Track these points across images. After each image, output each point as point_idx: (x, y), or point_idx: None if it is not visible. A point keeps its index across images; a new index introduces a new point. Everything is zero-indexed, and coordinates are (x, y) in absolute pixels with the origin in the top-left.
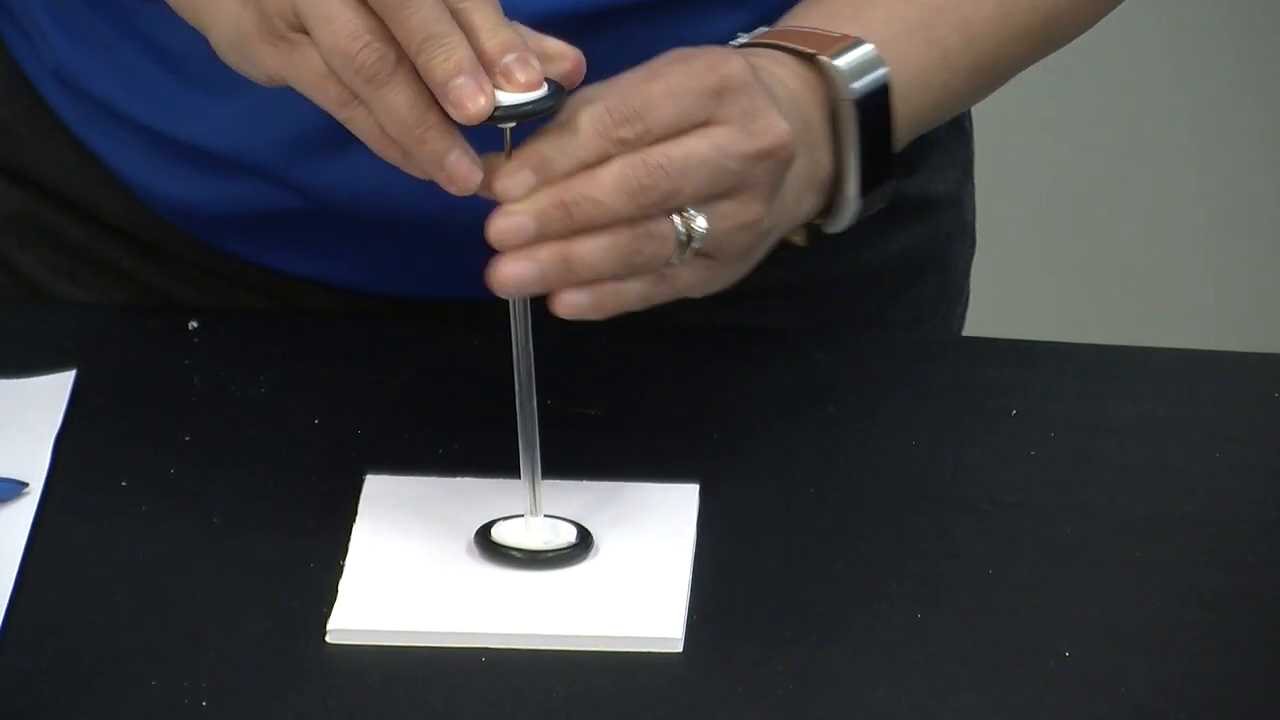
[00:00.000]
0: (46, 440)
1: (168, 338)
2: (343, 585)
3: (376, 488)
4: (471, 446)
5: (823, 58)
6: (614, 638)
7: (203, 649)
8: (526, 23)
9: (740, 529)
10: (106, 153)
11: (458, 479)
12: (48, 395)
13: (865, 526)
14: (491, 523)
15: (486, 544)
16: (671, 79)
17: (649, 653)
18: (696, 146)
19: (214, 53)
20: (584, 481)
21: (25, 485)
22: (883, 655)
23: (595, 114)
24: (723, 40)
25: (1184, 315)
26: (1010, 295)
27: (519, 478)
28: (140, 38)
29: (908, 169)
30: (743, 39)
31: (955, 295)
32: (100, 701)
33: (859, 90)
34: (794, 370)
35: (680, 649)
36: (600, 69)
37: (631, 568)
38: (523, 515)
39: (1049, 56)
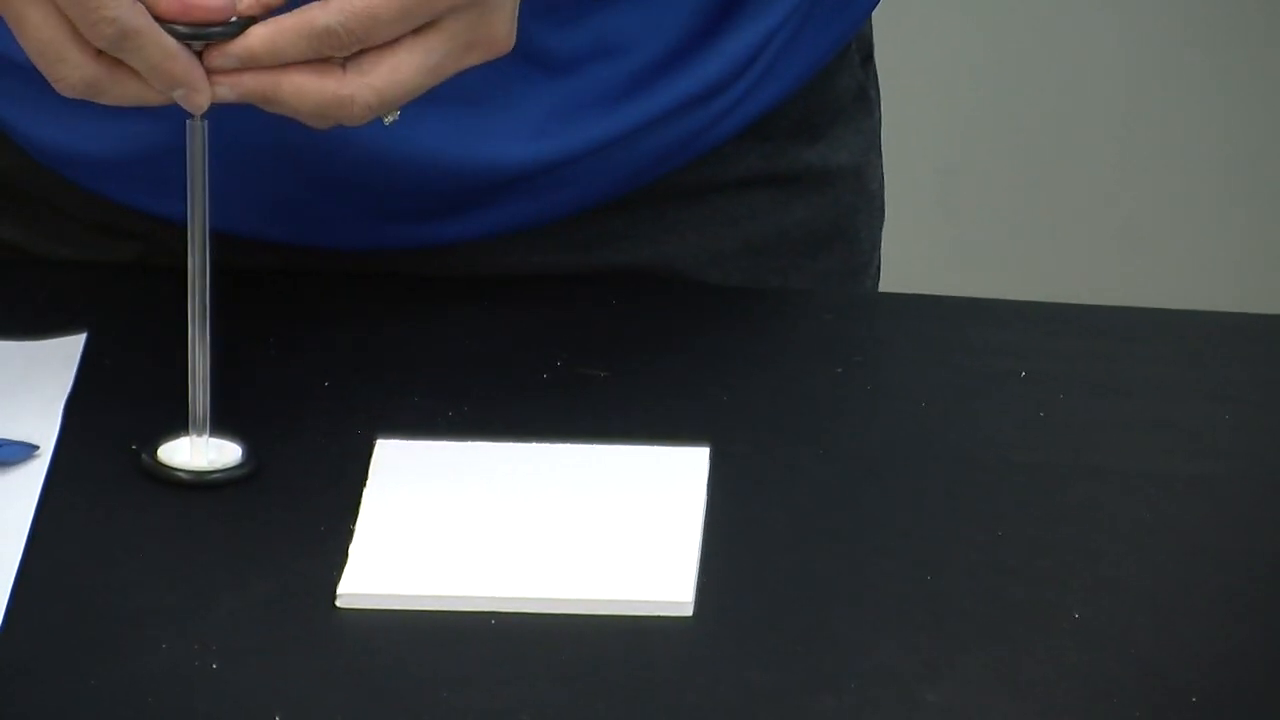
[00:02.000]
0: (57, 403)
1: (178, 300)
2: (353, 549)
3: (387, 451)
4: (483, 410)
5: None
6: (624, 601)
7: (213, 611)
8: None
9: (749, 490)
10: None
11: (469, 443)
12: (58, 358)
13: (874, 487)
14: (157, 444)
15: (153, 465)
16: None
17: (659, 616)
18: None
19: None
20: (593, 444)
21: (36, 448)
22: (892, 616)
23: (317, 29)
24: None
25: (1095, 273)
26: (923, 261)
27: (531, 441)
28: None
29: (811, 138)
30: None
31: (864, 267)
32: (111, 663)
33: None
34: (803, 330)
35: (691, 612)
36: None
37: (641, 531)
38: (188, 436)
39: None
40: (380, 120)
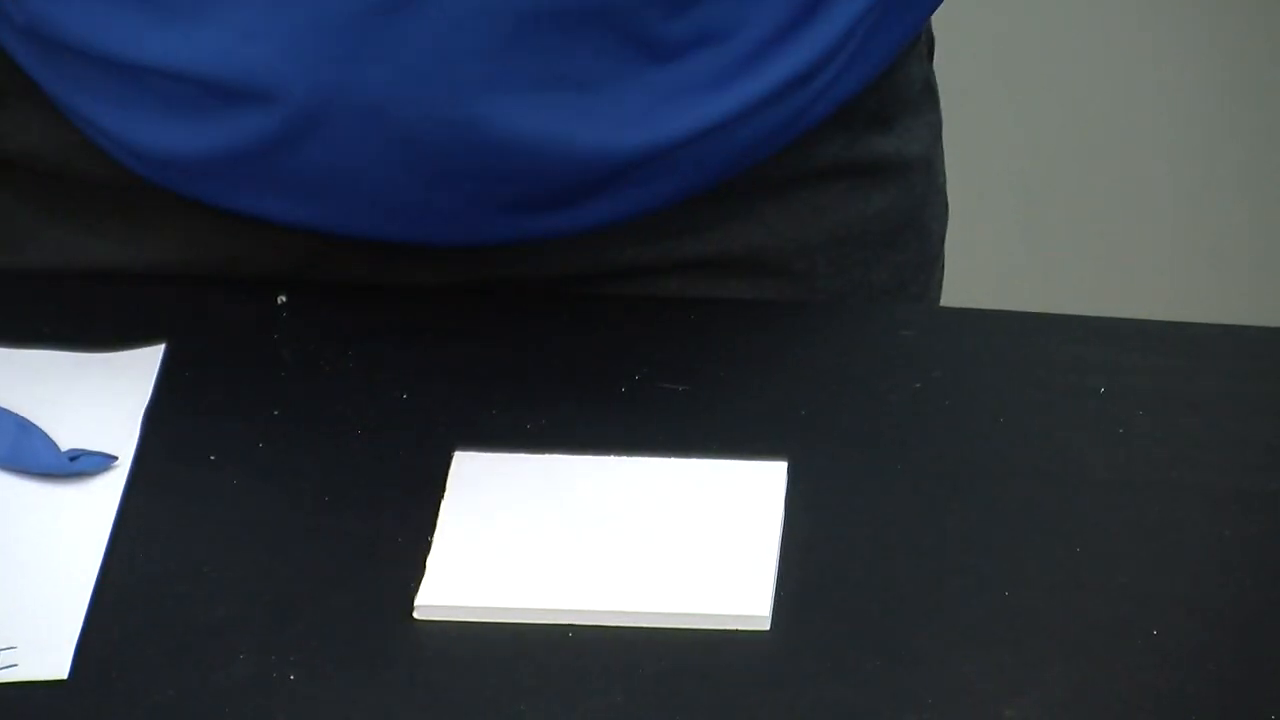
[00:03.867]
0: (136, 414)
1: (257, 311)
2: (430, 561)
3: (465, 464)
4: (560, 423)
5: None
6: (702, 615)
7: (291, 623)
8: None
9: (827, 505)
10: (83, 108)
11: (547, 455)
12: (137, 369)
13: (953, 503)
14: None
15: None
16: None
17: (736, 630)
18: None
19: None
20: (672, 459)
21: (115, 459)
22: (971, 632)
23: None
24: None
25: (1173, 289)
26: (985, 265)
27: (608, 455)
28: None
29: (885, 129)
30: None
31: (934, 261)
32: (189, 674)
33: None
34: (880, 345)
35: (768, 626)
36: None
37: (719, 545)
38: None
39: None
40: (495, 107)
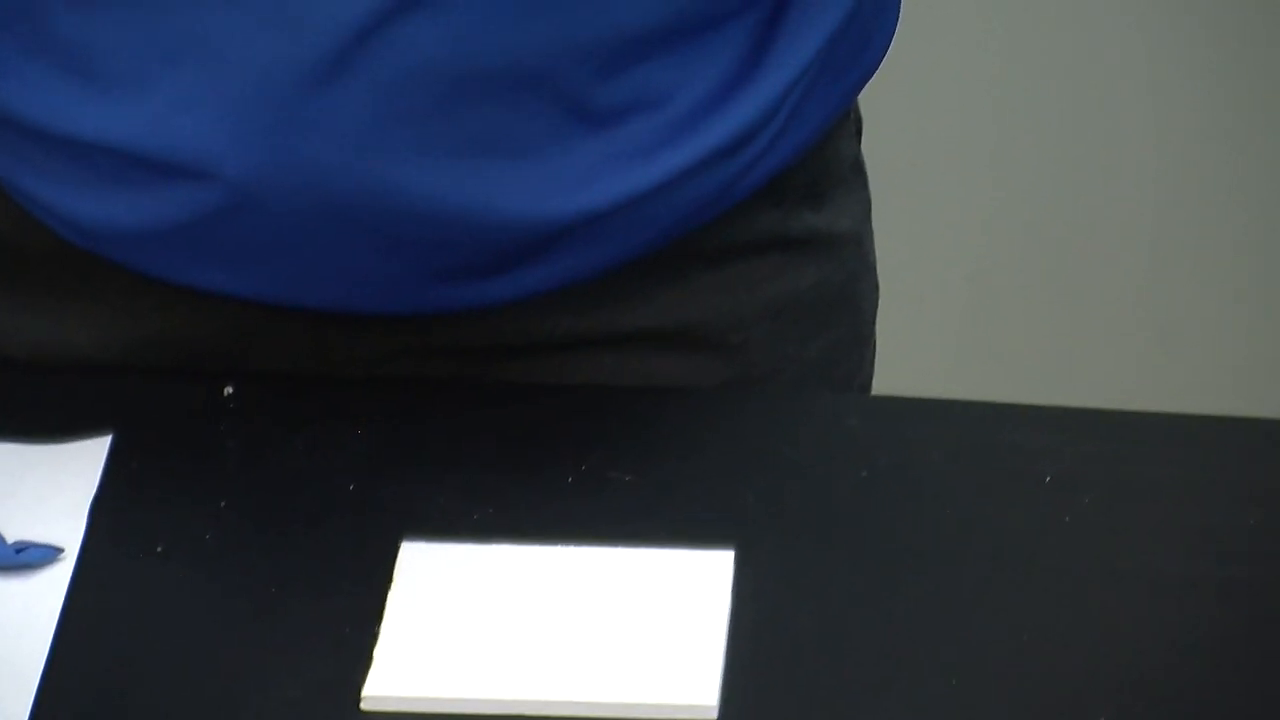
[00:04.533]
0: (82, 506)
1: (203, 402)
2: (378, 652)
3: (412, 553)
4: (508, 512)
5: None
6: (650, 705)
7: (239, 715)
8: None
9: (775, 594)
10: (20, 181)
11: (493, 545)
12: (83, 460)
13: (901, 591)
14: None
15: None
16: None
17: (685, 719)
18: None
19: (140, 48)
20: (619, 548)
21: (61, 551)
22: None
23: None
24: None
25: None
26: (915, 347)
27: (556, 544)
28: (54, 50)
29: (816, 204)
30: None
31: (866, 340)
32: None
33: None
34: (829, 433)
35: (716, 716)
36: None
37: (666, 634)
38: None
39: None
40: (428, 174)
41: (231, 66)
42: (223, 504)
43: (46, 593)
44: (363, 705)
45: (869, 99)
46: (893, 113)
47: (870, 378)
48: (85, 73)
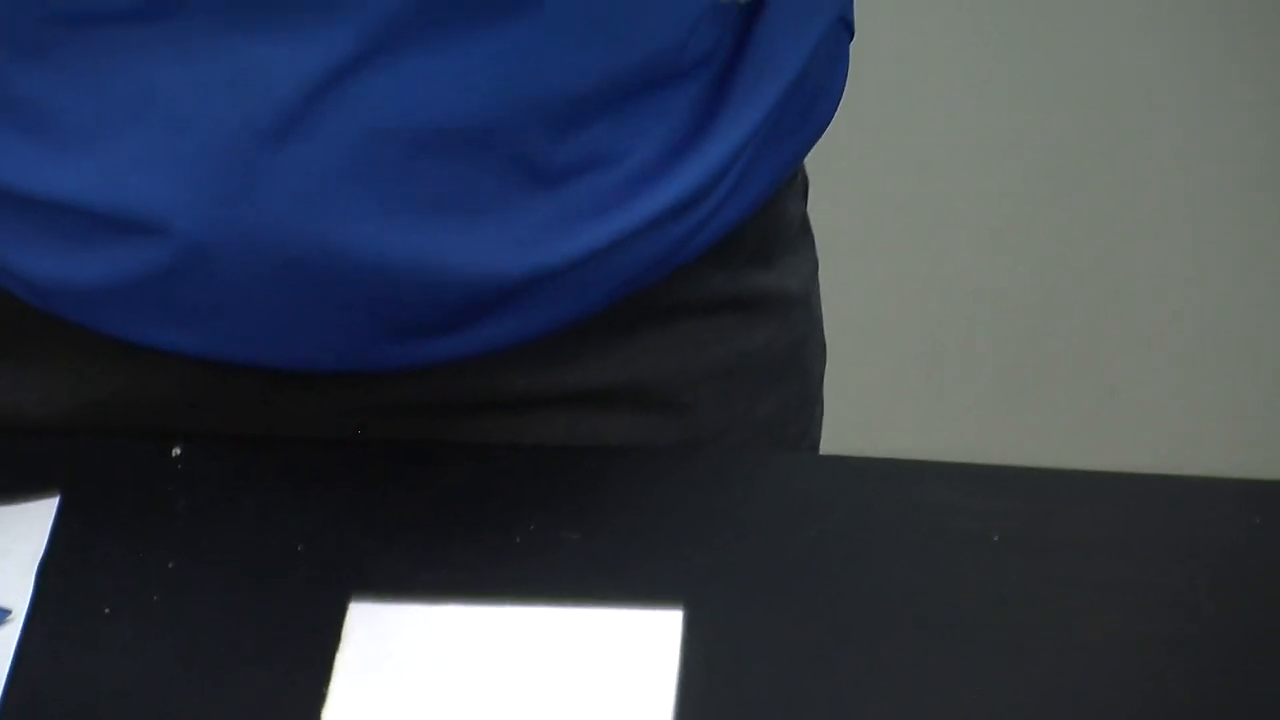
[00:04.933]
0: (30, 567)
1: (151, 462)
2: (326, 713)
3: (360, 615)
4: (456, 573)
5: None
6: None
7: None
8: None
9: (723, 654)
10: None
11: (443, 606)
12: (31, 522)
13: (850, 651)
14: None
15: None
16: None
17: None
18: None
19: (94, 105)
20: (567, 607)
21: (9, 612)
22: None
23: None
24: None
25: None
26: (862, 407)
27: (505, 604)
28: (8, 107)
29: (766, 265)
30: None
31: (814, 401)
32: None
33: None
34: (777, 493)
35: None
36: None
37: (616, 694)
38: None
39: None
40: (381, 232)
41: (185, 124)
42: (171, 565)
43: None
44: None
45: (814, 158)
46: (838, 172)
47: (819, 438)
48: (40, 130)
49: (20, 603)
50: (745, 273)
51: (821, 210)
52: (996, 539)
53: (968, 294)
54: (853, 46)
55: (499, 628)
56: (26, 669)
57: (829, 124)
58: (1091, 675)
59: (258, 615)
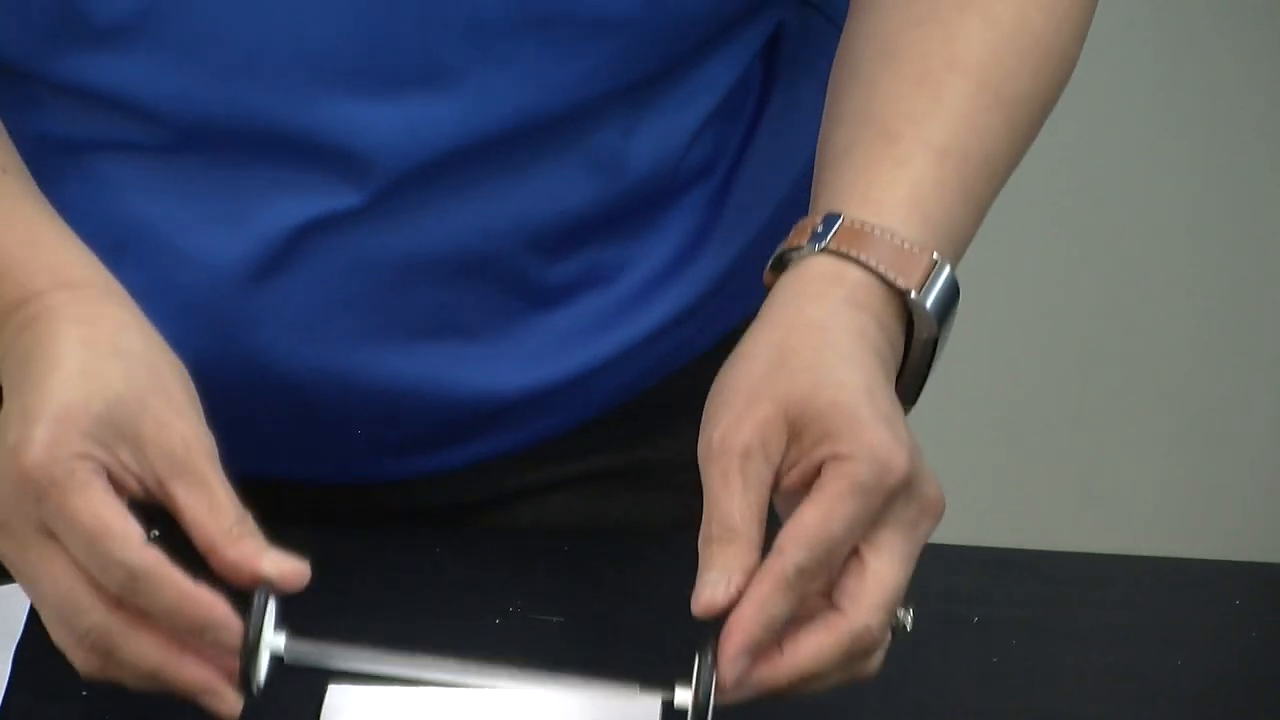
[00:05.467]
0: (6, 651)
1: None
2: None
3: (339, 697)
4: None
5: (915, 298)
6: None
7: None
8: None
9: None
10: None
11: (421, 688)
12: (6, 605)
13: None
14: None
15: None
16: (847, 513)
17: None
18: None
19: (92, 234)
20: (545, 688)
21: None
22: None
23: (791, 576)
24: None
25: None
26: None
27: (482, 687)
28: None
29: None
30: (817, 237)
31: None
32: None
33: (940, 327)
34: None
35: None
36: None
37: None
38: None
39: None
40: (376, 356)
41: (178, 259)
42: None
43: None
44: None
45: None
46: None
47: None
48: None
49: None
50: None
51: None
52: (976, 621)
53: (950, 376)
54: None
55: (477, 709)
56: None
57: None
58: None
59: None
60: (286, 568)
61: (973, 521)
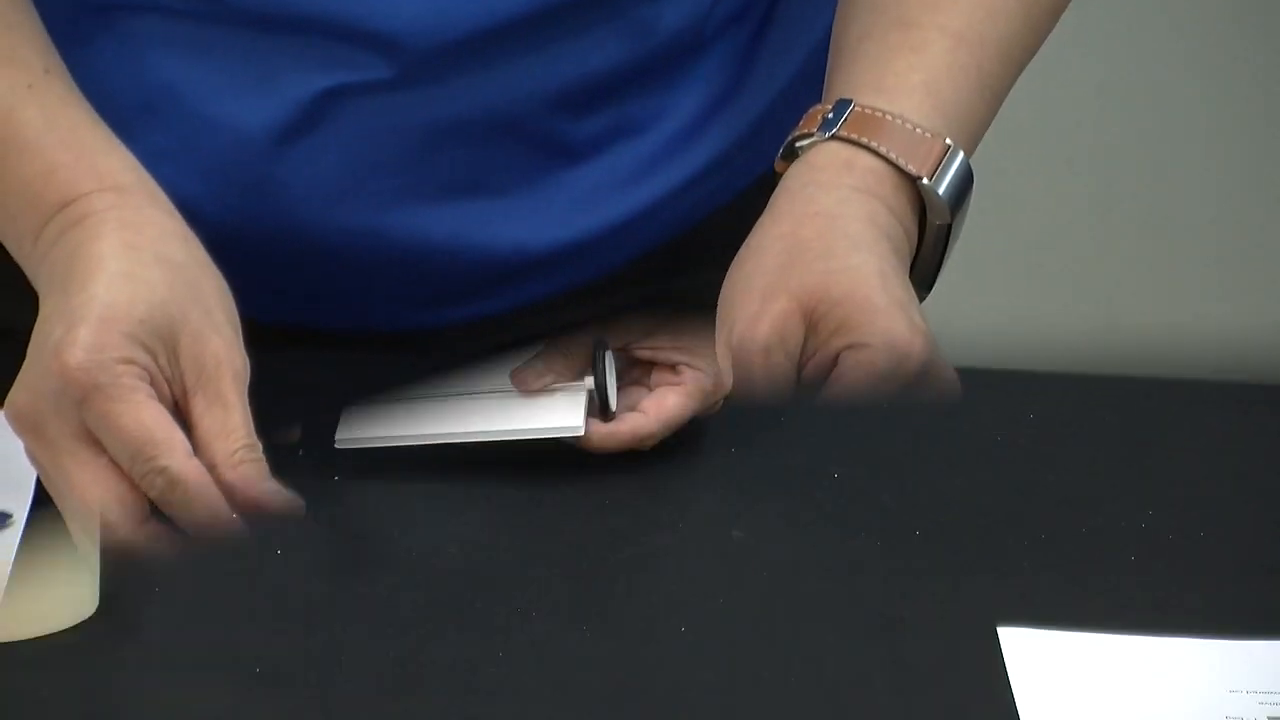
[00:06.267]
0: (30, 472)
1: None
2: None
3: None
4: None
5: (926, 183)
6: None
7: None
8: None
9: None
10: None
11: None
12: None
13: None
14: None
15: None
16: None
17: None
18: None
19: (122, 95)
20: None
21: (9, 516)
22: None
23: None
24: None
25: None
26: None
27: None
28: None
29: None
30: (828, 124)
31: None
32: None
33: (954, 214)
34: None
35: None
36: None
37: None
38: None
39: None
40: (408, 217)
41: (205, 122)
42: None
43: None
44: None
45: None
46: None
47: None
48: None
49: (20, 508)
50: None
51: None
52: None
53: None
54: None
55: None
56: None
57: None
58: None
59: None
60: (281, 500)
61: None
